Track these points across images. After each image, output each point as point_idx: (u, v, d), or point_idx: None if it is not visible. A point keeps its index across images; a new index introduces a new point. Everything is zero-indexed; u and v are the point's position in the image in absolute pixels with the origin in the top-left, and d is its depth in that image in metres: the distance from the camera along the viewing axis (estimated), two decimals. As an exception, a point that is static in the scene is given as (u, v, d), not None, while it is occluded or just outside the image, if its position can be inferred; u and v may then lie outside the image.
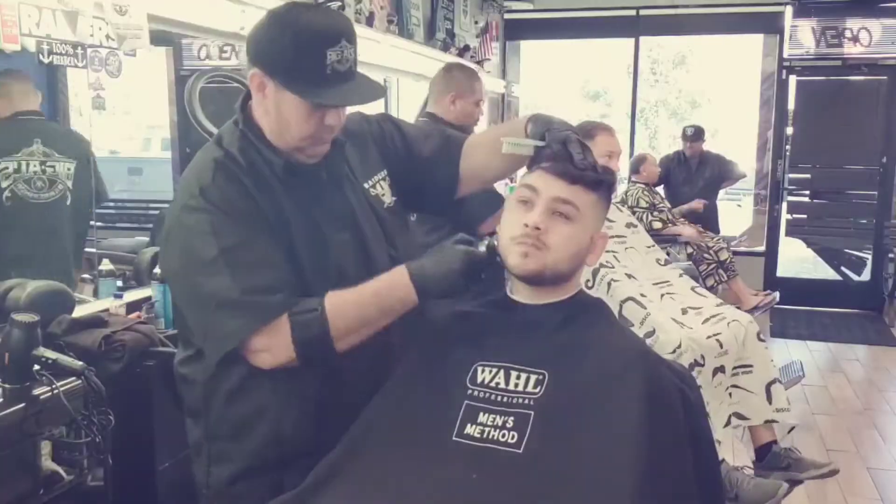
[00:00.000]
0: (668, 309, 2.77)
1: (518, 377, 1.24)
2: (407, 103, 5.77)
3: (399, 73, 5.14)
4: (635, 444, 1.13)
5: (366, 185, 1.50)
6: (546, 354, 1.26)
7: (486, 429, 1.20)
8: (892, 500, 3.17)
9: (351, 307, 1.31)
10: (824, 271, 6.67)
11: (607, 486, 1.10)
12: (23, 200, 2.59)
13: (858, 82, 6.41)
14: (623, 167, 4.92)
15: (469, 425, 1.21)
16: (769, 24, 6.43)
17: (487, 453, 1.18)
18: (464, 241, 1.33)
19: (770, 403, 2.71)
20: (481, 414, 1.21)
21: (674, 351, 2.52)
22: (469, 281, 1.30)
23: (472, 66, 3.09)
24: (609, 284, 2.74)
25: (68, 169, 2.68)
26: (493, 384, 1.25)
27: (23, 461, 1.55)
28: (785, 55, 6.32)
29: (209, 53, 4.01)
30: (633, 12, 6.60)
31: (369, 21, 4.17)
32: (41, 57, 2.11)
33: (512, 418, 1.20)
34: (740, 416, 2.73)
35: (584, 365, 1.24)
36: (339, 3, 3.57)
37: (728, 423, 2.68)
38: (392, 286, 1.33)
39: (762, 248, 6.61)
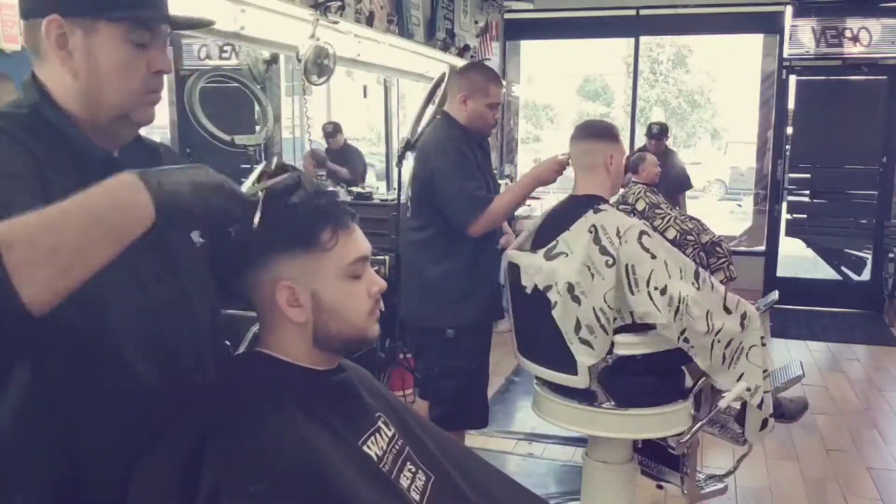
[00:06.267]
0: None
1: (384, 426, 1.22)
2: (407, 103, 5.78)
3: (399, 73, 5.14)
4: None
5: None
6: (378, 401, 1.27)
7: (414, 485, 1.18)
8: (892, 500, 3.17)
9: (35, 219, 0.83)
10: (824, 271, 6.66)
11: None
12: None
13: (858, 82, 6.41)
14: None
15: (414, 494, 1.18)
16: (769, 24, 6.44)
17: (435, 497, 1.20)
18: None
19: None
20: (402, 479, 1.17)
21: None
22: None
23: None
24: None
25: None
26: (381, 449, 1.18)
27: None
28: (785, 55, 6.32)
29: (209, 53, 4.02)
30: (633, 12, 6.61)
31: (369, 21, 4.17)
32: (41, 57, 2.10)
33: (409, 462, 1.21)
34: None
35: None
36: (340, 3, 3.57)
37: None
38: (107, 189, 0.90)
39: (762, 248, 6.62)
